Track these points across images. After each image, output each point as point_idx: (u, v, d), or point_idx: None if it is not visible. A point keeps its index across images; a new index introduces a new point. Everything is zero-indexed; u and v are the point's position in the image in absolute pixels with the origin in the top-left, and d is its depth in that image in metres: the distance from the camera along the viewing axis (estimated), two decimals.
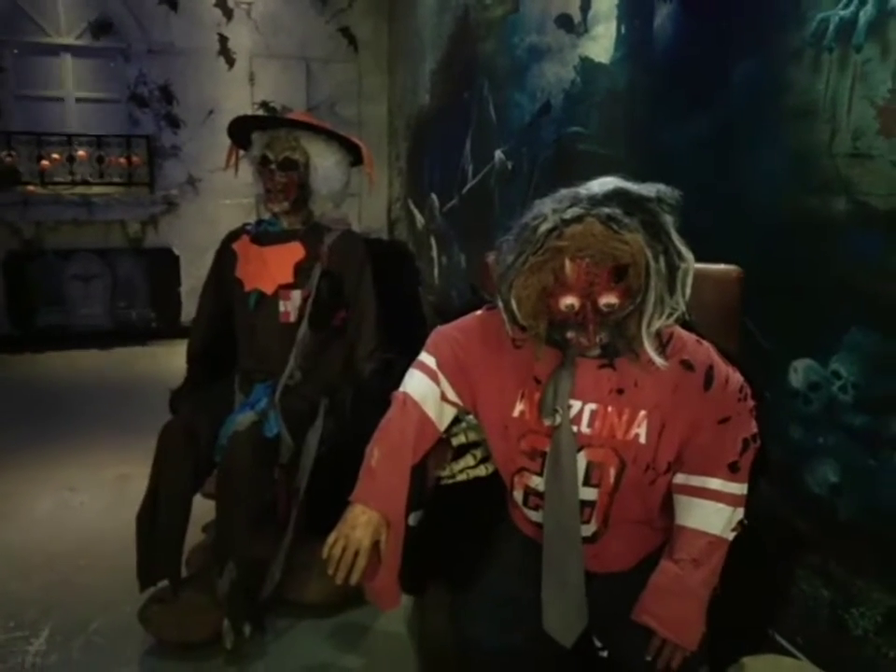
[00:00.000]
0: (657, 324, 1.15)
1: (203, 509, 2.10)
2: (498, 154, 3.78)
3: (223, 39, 5.35)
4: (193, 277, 5.25)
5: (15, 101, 5.04)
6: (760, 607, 1.29)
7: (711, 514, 1.21)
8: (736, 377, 1.24)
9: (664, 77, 2.45)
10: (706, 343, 1.26)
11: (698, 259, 1.27)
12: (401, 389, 1.34)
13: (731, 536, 1.22)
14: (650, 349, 1.14)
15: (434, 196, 4.85)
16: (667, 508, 1.27)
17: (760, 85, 1.99)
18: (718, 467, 1.22)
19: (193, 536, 2.16)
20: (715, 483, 1.22)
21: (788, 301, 1.83)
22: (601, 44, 2.79)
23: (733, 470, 1.21)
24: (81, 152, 5.11)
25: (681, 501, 1.25)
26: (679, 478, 1.25)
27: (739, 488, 1.22)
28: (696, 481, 1.23)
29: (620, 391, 1.22)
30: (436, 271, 4.87)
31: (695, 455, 1.23)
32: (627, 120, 2.68)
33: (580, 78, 2.96)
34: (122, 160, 5.22)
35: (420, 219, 5.19)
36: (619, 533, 1.29)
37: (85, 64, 5.18)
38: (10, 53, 4.95)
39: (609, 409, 1.23)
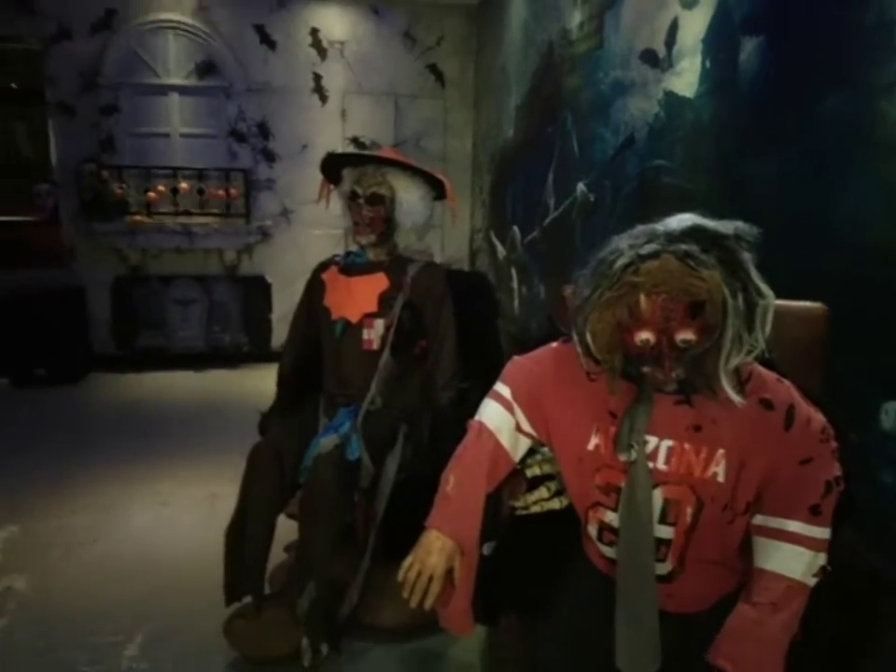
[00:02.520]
0: (735, 361, 1.14)
1: (286, 529, 2.18)
2: (581, 187, 3.80)
3: (317, 77, 5.62)
4: (284, 304, 5.47)
5: (127, 137, 5.43)
6: (843, 658, 1.24)
7: (791, 558, 1.18)
8: (818, 417, 1.21)
9: (749, 110, 2.43)
10: (786, 382, 1.24)
11: (782, 296, 1.25)
12: (477, 418, 1.38)
13: (812, 581, 1.18)
14: (727, 387, 1.14)
15: (516, 228, 4.90)
16: (746, 549, 1.25)
17: (849, 119, 1.95)
18: (798, 509, 1.18)
19: (276, 555, 2.25)
20: (795, 526, 1.18)
21: (879, 341, 1.77)
22: (686, 78, 2.79)
23: (814, 514, 1.18)
24: (184, 184, 5.45)
25: (760, 543, 1.22)
26: (758, 519, 1.22)
27: (821, 532, 1.18)
28: (775, 522, 1.20)
29: (697, 428, 1.22)
30: (516, 301, 4.90)
31: (775, 496, 1.20)
32: (712, 154, 2.65)
33: (664, 112, 2.96)
34: (221, 192, 5.52)
35: (501, 251, 5.24)
36: (695, 573, 1.27)
37: (190, 102, 5.54)
38: (125, 94, 5.36)
39: (687, 446, 1.22)
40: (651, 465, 1.23)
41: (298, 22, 5.49)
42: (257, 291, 5.80)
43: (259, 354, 5.57)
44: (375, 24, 5.60)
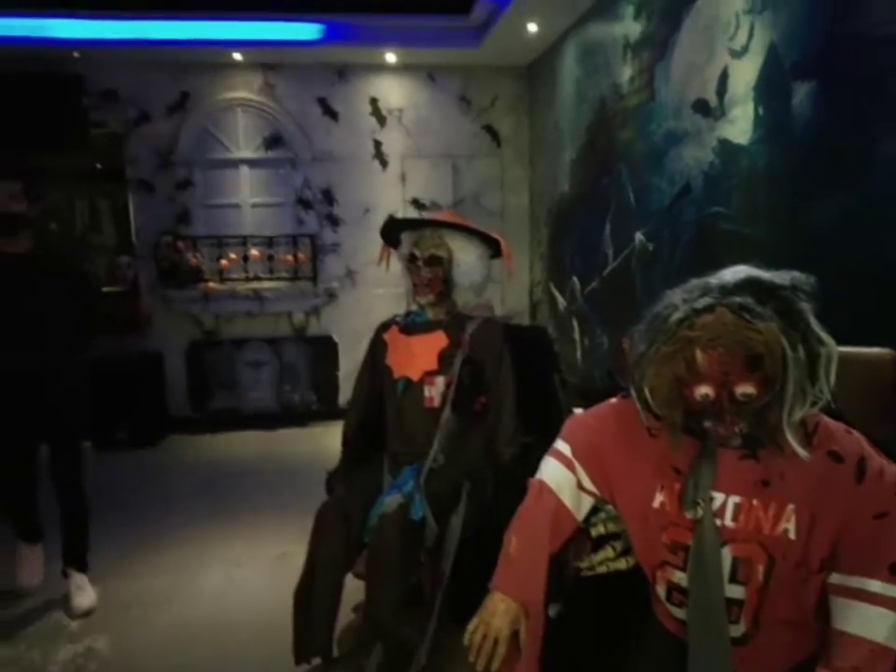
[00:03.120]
0: (799, 414, 1.11)
1: (354, 589, 2.19)
2: (639, 236, 3.80)
3: (377, 144, 5.84)
4: (350, 362, 5.59)
5: (201, 209, 5.75)
6: None
7: (873, 619, 1.11)
8: (892, 469, 1.16)
9: (805, 156, 2.41)
10: (856, 433, 1.20)
11: (849, 343, 1.22)
12: (538, 477, 1.38)
13: None
14: (792, 440, 1.11)
15: (575, 279, 4.91)
16: (823, 610, 1.19)
17: None
18: (877, 567, 1.13)
19: (345, 615, 2.25)
20: (875, 586, 1.12)
21: None
22: (739, 126, 2.79)
23: (894, 572, 1.12)
24: (254, 251, 5.70)
25: (838, 604, 1.16)
26: (835, 578, 1.17)
27: None
28: (854, 582, 1.14)
29: (765, 483, 1.19)
30: (578, 352, 4.87)
31: (851, 554, 1.15)
32: (769, 200, 2.63)
33: (718, 160, 2.96)
34: (289, 257, 5.75)
35: (562, 301, 5.24)
36: (770, 635, 1.22)
37: (258, 174, 5.83)
38: (198, 169, 5.70)
39: (755, 502, 1.19)
40: (718, 522, 1.20)
41: (358, 93, 5.76)
42: (324, 351, 5.95)
43: (328, 412, 5.68)
44: (431, 90, 5.81)
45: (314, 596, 2.03)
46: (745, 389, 1.11)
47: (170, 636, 2.63)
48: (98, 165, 6.09)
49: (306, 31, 5.20)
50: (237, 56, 5.44)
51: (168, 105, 5.56)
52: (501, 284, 5.77)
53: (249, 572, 3.14)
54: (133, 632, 2.66)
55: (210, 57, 5.41)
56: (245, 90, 5.66)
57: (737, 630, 1.21)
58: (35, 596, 2.94)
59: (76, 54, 5.17)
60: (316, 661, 2.08)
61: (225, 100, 5.65)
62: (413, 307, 2.38)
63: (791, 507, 1.17)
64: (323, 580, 2.03)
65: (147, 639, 2.61)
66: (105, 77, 5.40)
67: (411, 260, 2.27)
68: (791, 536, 1.16)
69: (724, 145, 2.91)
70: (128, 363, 5.42)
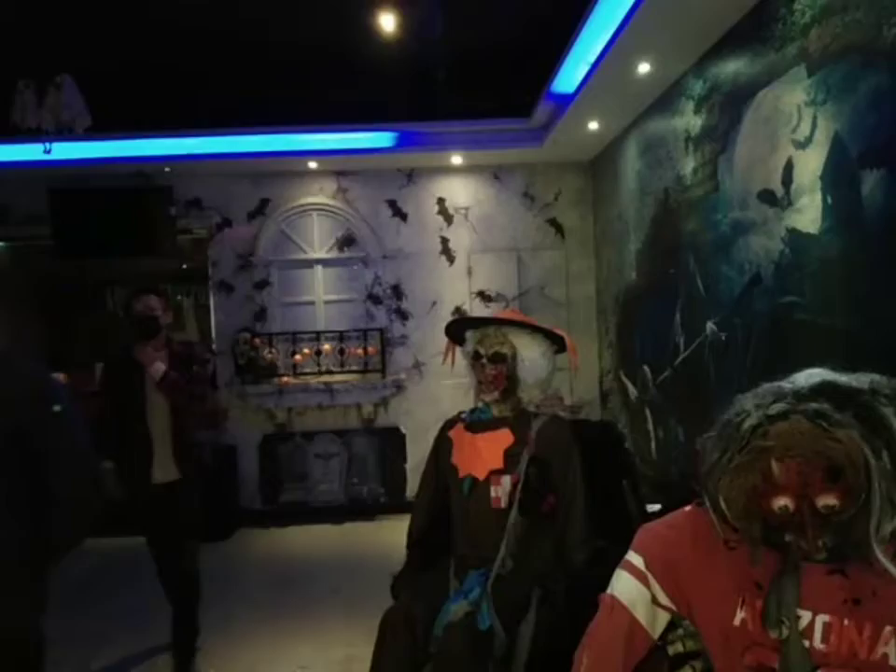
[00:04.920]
0: (889, 527, 1.04)
1: None
2: (710, 325, 3.72)
3: (444, 241, 6.02)
4: (417, 453, 5.58)
5: (277, 307, 6.00)
6: None
7: None
8: None
9: (880, 243, 2.34)
10: None
11: None
12: (609, 592, 1.31)
13: None
14: (882, 557, 1.03)
15: (646, 368, 4.82)
16: None
17: None
18: None
19: None
20: None
21: None
22: (808, 215, 2.75)
23: None
24: (326, 346, 5.87)
25: None
26: None
27: None
28: None
29: (856, 601, 1.09)
30: (652, 444, 4.72)
31: None
32: (845, 289, 2.55)
33: (788, 249, 2.91)
34: (359, 350, 5.89)
35: (633, 391, 5.14)
36: None
37: (332, 273, 6.08)
38: (275, 269, 5.99)
39: (846, 622, 1.10)
40: (806, 643, 1.11)
41: (425, 194, 6.00)
42: (392, 442, 5.97)
43: (396, 504, 5.63)
44: (496, 188, 6.00)
45: None
46: (827, 501, 1.05)
47: None
48: (184, 266, 6.48)
49: (379, 140, 5.51)
50: (312, 164, 5.78)
51: (249, 211, 5.92)
52: (570, 373, 5.71)
53: None
54: None
55: (287, 166, 5.77)
56: (319, 195, 5.98)
57: None
58: None
59: (166, 169, 5.61)
60: None
61: (301, 205, 5.98)
62: (479, 404, 2.37)
63: (889, 629, 1.07)
64: None
65: None
66: (192, 187, 5.83)
67: (475, 358, 2.29)
68: (893, 662, 1.06)
69: (794, 234, 2.87)
70: (204, 457, 5.55)
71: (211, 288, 5.98)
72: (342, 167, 5.88)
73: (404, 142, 5.50)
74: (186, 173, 5.72)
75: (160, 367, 2.98)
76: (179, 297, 6.49)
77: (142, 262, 5.93)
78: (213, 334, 5.97)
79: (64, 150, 5.13)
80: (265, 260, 5.94)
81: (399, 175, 5.94)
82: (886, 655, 1.07)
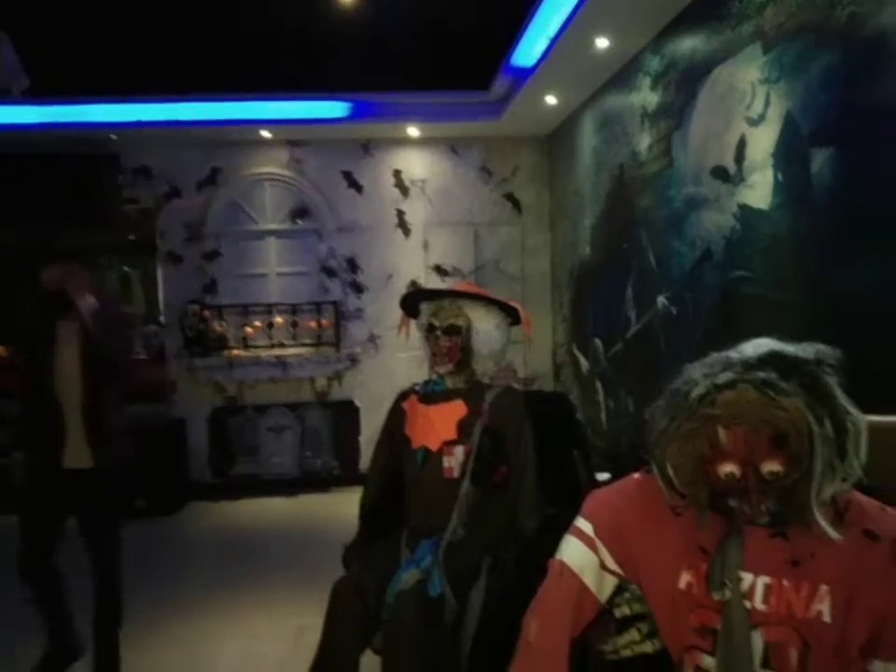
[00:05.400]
0: (829, 491, 1.07)
1: (374, 664, 2.11)
2: (661, 300, 3.78)
3: (400, 213, 5.97)
4: (372, 426, 5.56)
5: (228, 279, 5.87)
6: None
7: None
8: None
9: (828, 219, 2.40)
10: (891, 511, 1.14)
11: (884, 412, 1.18)
12: (557, 557, 1.32)
13: None
14: (821, 520, 1.06)
15: (598, 341, 4.88)
16: None
17: None
18: None
19: None
20: None
21: None
22: (759, 191, 2.80)
23: None
24: (279, 319, 5.78)
25: None
26: (876, 666, 1.08)
27: None
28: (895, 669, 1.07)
29: (795, 563, 1.13)
30: (603, 415, 4.80)
31: (891, 639, 1.08)
32: (794, 264, 2.61)
33: (739, 225, 2.96)
34: (313, 323, 5.82)
35: (585, 364, 5.21)
36: None
37: (285, 244, 5.97)
38: (226, 241, 5.85)
39: (785, 583, 1.13)
40: (747, 604, 1.14)
41: (382, 166, 5.92)
42: (346, 416, 5.95)
43: (349, 476, 5.63)
44: (453, 161, 5.96)
45: None
46: (771, 467, 1.07)
47: None
48: (131, 238, 6.27)
49: (333, 109, 5.40)
50: (265, 133, 5.64)
51: (198, 181, 5.76)
52: (524, 346, 5.75)
53: (266, 646, 3.07)
54: None
55: (239, 135, 5.62)
56: (272, 165, 5.85)
57: None
58: None
59: (112, 136, 5.41)
60: None
61: (253, 175, 5.84)
62: (433, 376, 2.36)
63: (824, 588, 1.11)
64: (338, 658, 1.96)
65: None
66: (140, 155, 5.65)
67: (430, 330, 2.27)
68: (826, 619, 1.10)
69: (745, 210, 2.92)
70: (151, 430, 5.43)
71: (159, 260, 5.81)
72: (296, 136, 5.75)
73: (359, 112, 5.40)
74: (133, 140, 5.53)
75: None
76: (126, 268, 6.30)
77: (88, 233, 5.72)
78: (161, 306, 5.82)
79: (3, 114, 4.90)
80: (216, 231, 5.81)
81: (355, 146, 5.84)
82: (820, 612, 1.11)
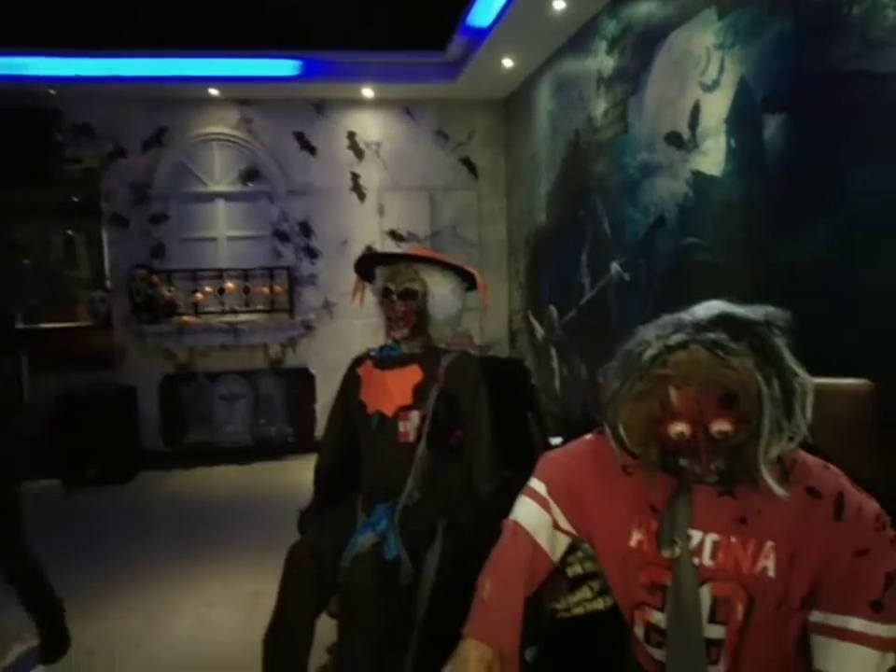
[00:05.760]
0: (776, 450, 1.10)
1: (329, 628, 2.12)
2: (615, 266, 3.81)
3: (355, 177, 5.86)
4: (327, 394, 5.51)
5: (176, 243, 5.71)
6: None
7: (854, 659, 1.08)
8: (872, 505, 1.14)
9: (779, 186, 2.43)
10: (833, 469, 1.18)
11: (830, 375, 1.20)
12: (511, 518, 1.34)
13: None
14: (768, 477, 1.09)
15: (553, 308, 4.91)
16: (805, 649, 1.16)
17: (881, 190, 1.94)
18: (858, 605, 1.09)
19: (319, 656, 2.18)
20: (857, 624, 1.08)
21: None
22: (712, 158, 2.83)
23: (876, 609, 1.09)
24: (230, 284, 5.66)
25: (819, 643, 1.12)
26: (816, 616, 1.13)
27: (887, 630, 1.08)
28: (835, 620, 1.10)
29: (742, 520, 1.16)
30: (557, 382, 4.86)
31: (832, 591, 1.12)
32: (745, 231, 2.65)
33: (692, 192, 2.99)
34: (266, 289, 5.71)
35: (540, 331, 5.25)
36: None
37: (235, 207, 5.81)
38: (174, 203, 5.67)
39: (733, 539, 1.17)
40: (696, 560, 1.17)
41: (335, 128, 5.79)
42: (301, 383, 5.89)
43: (304, 444, 5.60)
44: (408, 124, 5.86)
45: (285, 638, 1.96)
46: (720, 427, 1.09)
47: None
48: (74, 199, 6.04)
49: (283, 67, 5.23)
50: (214, 92, 5.45)
51: (144, 141, 5.55)
52: (480, 314, 5.77)
53: (221, 612, 3.06)
54: None
55: (186, 93, 5.42)
56: (221, 125, 5.67)
57: (717, 671, 1.18)
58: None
59: (51, 91, 5.16)
60: None
61: (201, 135, 5.65)
62: (388, 341, 2.34)
63: (769, 544, 1.14)
64: (294, 622, 1.96)
65: None
66: (81, 112, 5.39)
67: (385, 295, 2.25)
68: (771, 574, 1.14)
69: (698, 176, 2.95)
70: (100, 398, 5.32)
71: (104, 222, 5.61)
72: (246, 95, 5.57)
73: (311, 71, 5.25)
74: (74, 96, 5.28)
75: None
76: (70, 232, 6.07)
77: (28, 194, 5.48)
78: (106, 271, 5.63)
79: None
80: (163, 193, 5.62)
81: (307, 106, 5.70)
82: (765, 568, 1.14)
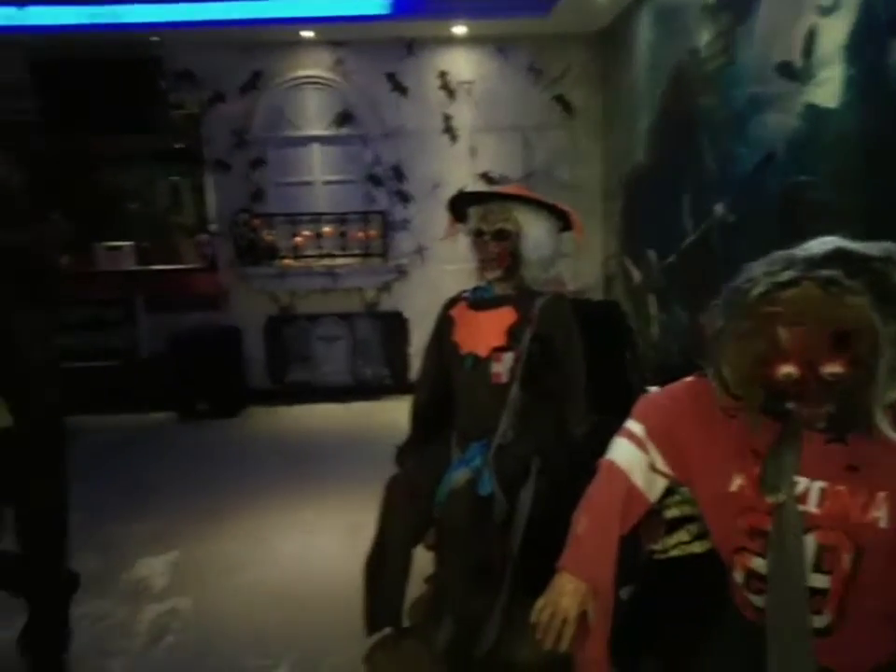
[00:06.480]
0: (892, 395, 1.04)
1: (427, 560, 2.21)
2: (719, 208, 3.64)
3: (447, 118, 5.79)
4: (420, 338, 5.58)
5: (274, 187, 5.85)
6: None
7: None
8: None
9: None
10: None
11: None
12: (607, 457, 1.34)
13: None
14: (883, 424, 1.04)
15: (651, 252, 4.76)
16: None
17: None
18: None
19: (418, 586, 2.28)
20: None
21: None
22: (828, 89, 2.62)
23: None
24: (327, 229, 5.77)
25: None
26: None
27: None
28: None
29: (853, 468, 1.12)
30: (655, 329, 4.74)
31: None
32: (863, 168, 2.46)
33: (805, 126, 2.79)
34: (360, 234, 5.79)
35: (637, 276, 5.10)
36: (858, 628, 1.16)
37: (330, 151, 5.87)
38: (271, 147, 5.80)
39: (841, 487, 1.13)
40: (801, 507, 1.14)
41: (427, 67, 5.70)
42: (395, 326, 6.01)
43: (399, 386, 5.73)
44: (500, 62, 5.70)
45: (384, 568, 2.06)
46: (832, 369, 1.04)
47: (246, 600, 2.75)
48: (178, 145, 6.28)
49: (374, 5, 5.17)
50: (306, 34, 5.46)
51: (241, 85, 5.65)
52: (573, 258, 5.66)
53: (323, 540, 3.24)
54: (212, 595, 2.79)
55: (280, 35, 5.45)
56: (314, 67, 5.69)
57: (821, 621, 1.16)
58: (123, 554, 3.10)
59: (154, 38, 5.31)
60: (387, 630, 2.11)
61: (295, 78, 5.69)
62: (481, 283, 2.35)
63: (882, 494, 1.10)
64: (393, 552, 2.06)
65: (225, 603, 2.73)
66: (182, 59, 5.53)
67: (478, 235, 2.24)
68: (883, 525, 1.10)
69: (811, 109, 2.74)
70: (208, 338, 5.63)
71: (206, 168, 5.81)
72: (337, 37, 5.55)
73: (403, 8, 5.15)
74: (175, 42, 5.40)
75: None
76: (174, 177, 6.32)
77: (134, 141, 5.73)
78: (210, 215, 5.86)
79: (41, 15, 4.81)
80: (260, 138, 5.73)
81: (399, 45, 5.62)
82: (876, 518, 1.10)
